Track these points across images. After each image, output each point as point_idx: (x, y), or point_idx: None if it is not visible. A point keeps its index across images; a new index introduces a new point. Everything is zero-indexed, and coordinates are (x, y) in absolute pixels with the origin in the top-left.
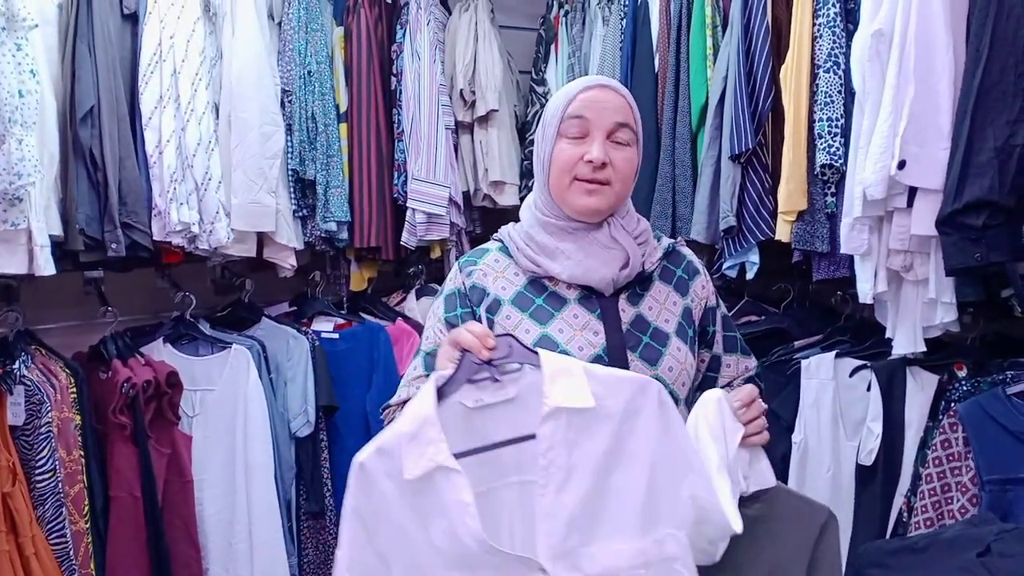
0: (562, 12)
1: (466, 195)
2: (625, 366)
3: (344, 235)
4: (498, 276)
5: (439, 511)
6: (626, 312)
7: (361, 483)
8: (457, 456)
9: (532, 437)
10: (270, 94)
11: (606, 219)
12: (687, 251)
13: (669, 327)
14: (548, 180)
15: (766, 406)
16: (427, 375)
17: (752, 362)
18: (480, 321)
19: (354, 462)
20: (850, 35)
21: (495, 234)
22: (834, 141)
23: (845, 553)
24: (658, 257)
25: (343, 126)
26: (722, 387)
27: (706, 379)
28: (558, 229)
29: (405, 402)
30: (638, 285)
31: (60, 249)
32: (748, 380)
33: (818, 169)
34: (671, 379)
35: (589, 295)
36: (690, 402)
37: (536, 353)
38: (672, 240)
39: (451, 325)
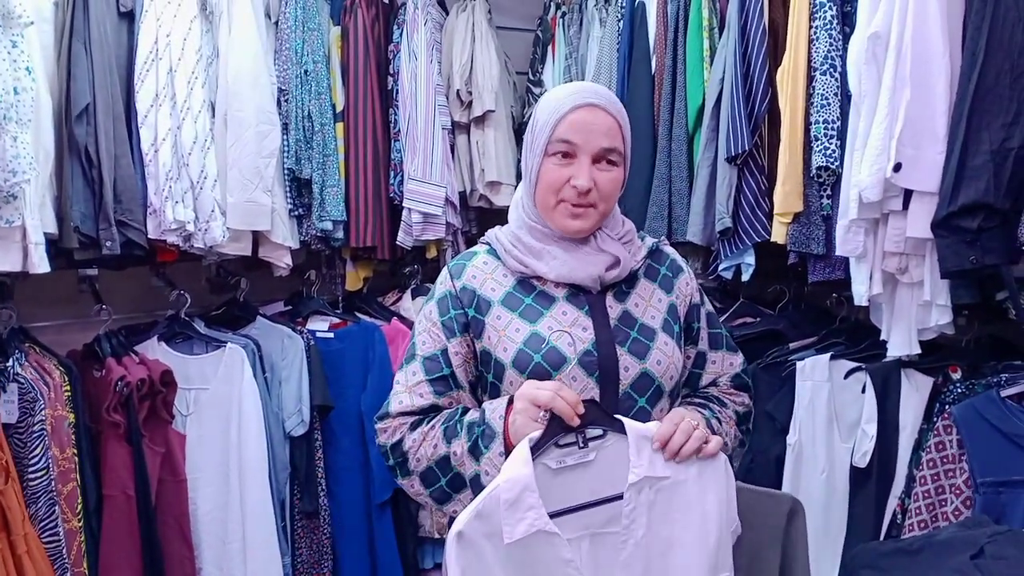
0: (559, 13)
1: (462, 195)
2: (615, 360)
3: (340, 234)
4: (487, 278)
5: (540, 571)
6: (613, 308)
7: (462, 548)
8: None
9: (612, 499)
10: (266, 93)
11: (593, 232)
12: (670, 250)
13: (655, 323)
14: (534, 192)
15: (694, 421)
16: (428, 380)
17: (738, 358)
18: (469, 323)
19: (452, 532)
20: (846, 38)
21: (482, 237)
22: (830, 143)
23: (839, 555)
24: (643, 256)
25: (339, 125)
26: (707, 384)
27: (691, 376)
28: (543, 235)
29: (408, 413)
30: (624, 283)
31: (55, 247)
32: (734, 377)
33: (814, 171)
34: (659, 372)
35: (577, 293)
36: (676, 396)
37: (619, 420)
38: (655, 239)
39: (447, 328)
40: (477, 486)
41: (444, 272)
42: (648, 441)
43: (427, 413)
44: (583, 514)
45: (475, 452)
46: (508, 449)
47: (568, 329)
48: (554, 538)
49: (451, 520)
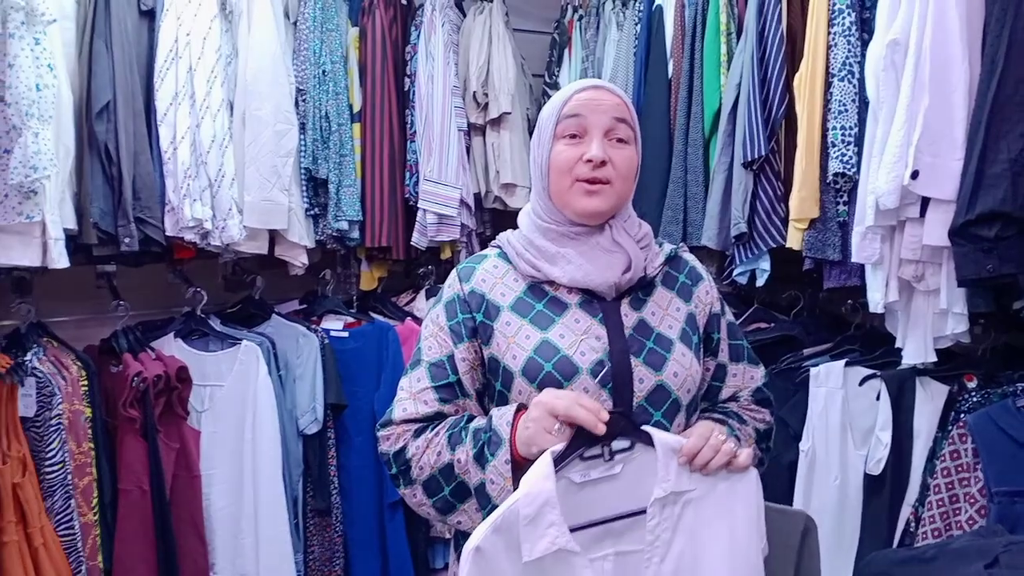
0: (576, 16)
1: (477, 197)
2: (629, 371)
3: (355, 234)
4: (497, 282)
5: None
6: (628, 317)
7: (477, 564)
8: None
9: (636, 513)
10: (285, 92)
11: (607, 222)
12: (690, 256)
13: (673, 332)
14: (548, 184)
15: (723, 435)
16: (433, 387)
17: (759, 371)
18: (477, 329)
19: (468, 546)
20: (865, 44)
21: (493, 241)
22: (847, 150)
23: (852, 563)
24: (660, 262)
25: (356, 126)
26: (727, 398)
27: (711, 388)
28: (559, 235)
29: (412, 420)
30: (640, 290)
31: (73, 243)
32: (755, 392)
33: (831, 177)
34: (676, 385)
35: (590, 300)
36: (694, 409)
37: (647, 432)
38: (674, 246)
39: (454, 333)
40: (482, 495)
41: (452, 275)
42: (676, 454)
43: (431, 421)
44: (607, 531)
45: (480, 460)
46: (515, 458)
47: (581, 338)
48: (575, 558)
49: (457, 529)
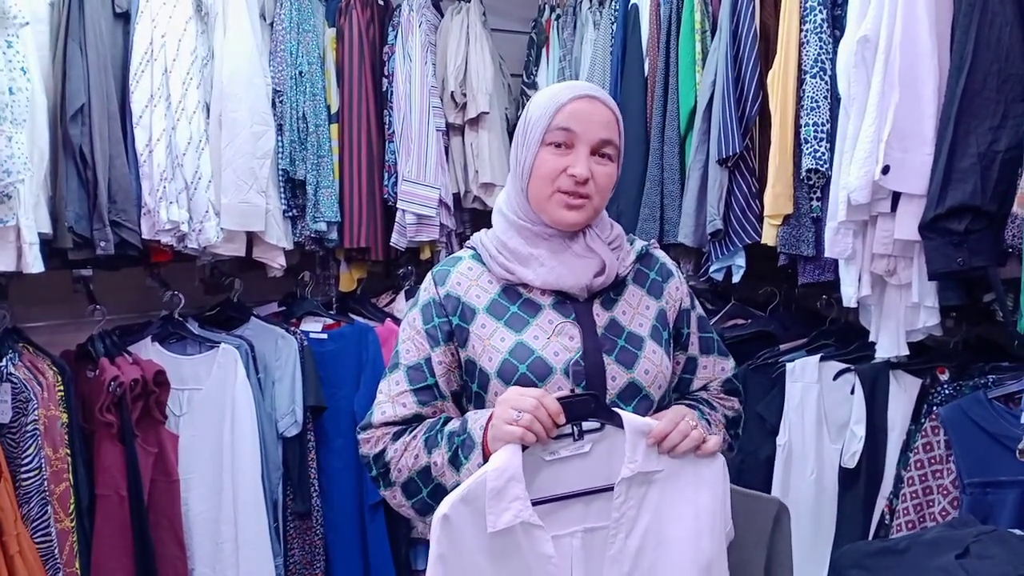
0: (553, 16)
1: (456, 197)
2: (601, 370)
3: (334, 235)
4: (472, 284)
5: (519, 562)
6: (600, 316)
7: (445, 531)
8: (532, 504)
9: (604, 490)
10: (261, 94)
11: (583, 228)
12: (660, 253)
13: (643, 330)
14: (527, 185)
15: (693, 420)
16: (412, 390)
17: (729, 363)
18: (454, 332)
19: (437, 514)
20: (836, 41)
21: (467, 241)
22: (820, 146)
23: (828, 555)
24: (631, 260)
25: (334, 127)
26: (697, 389)
27: (682, 381)
28: (532, 235)
29: (391, 423)
30: (611, 290)
31: (49, 247)
32: (725, 382)
33: (804, 174)
34: (647, 382)
35: (563, 300)
36: (665, 404)
37: (617, 414)
38: (645, 242)
39: (431, 336)
40: None
41: (428, 278)
42: (644, 436)
43: (410, 423)
44: (574, 508)
45: (455, 463)
46: (487, 459)
47: (554, 338)
48: (537, 531)
49: None
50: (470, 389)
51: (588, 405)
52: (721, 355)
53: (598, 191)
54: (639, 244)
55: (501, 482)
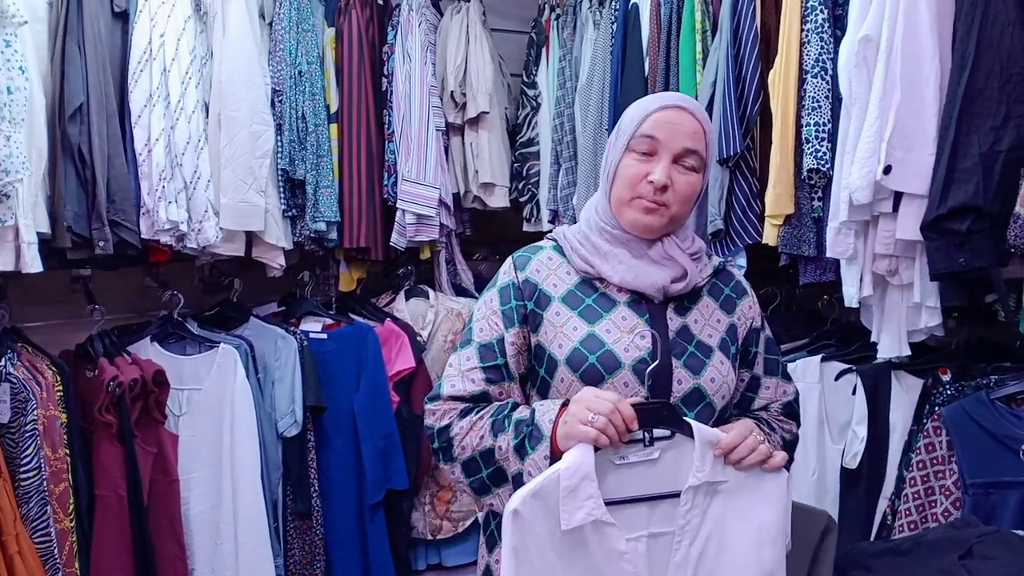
0: (553, 16)
1: (456, 197)
2: (669, 372)
3: (333, 235)
4: (550, 273)
5: (588, 561)
6: (673, 321)
7: (516, 526)
8: None
9: (671, 496)
10: (260, 94)
11: (661, 237)
12: (736, 271)
13: (712, 341)
14: (611, 188)
15: (760, 436)
16: (481, 367)
17: (792, 387)
18: (528, 316)
19: (508, 508)
20: (838, 41)
21: (549, 234)
22: (821, 146)
23: None
24: (708, 273)
25: (333, 126)
26: (758, 409)
27: (744, 399)
28: (613, 238)
29: (458, 397)
30: (686, 298)
31: (47, 246)
32: (785, 405)
33: (805, 174)
34: (712, 390)
35: (639, 300)
36: (726, 419)
37: (688, 424)
38: (722, 259)
39: (506, 317)
40: (519, 484)
41: (508, 262)
42: (713, 447)
43: (477, 401)
44: (641, 512)
45: (520, 451)
46: (554, 454)
47: (626, 335)
48: (611, 529)
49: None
50: (536, 374)
51: (660, 413)
52: (785, 378)
53: (677, 199)
54: (716, 260)
55: (575, 480)
